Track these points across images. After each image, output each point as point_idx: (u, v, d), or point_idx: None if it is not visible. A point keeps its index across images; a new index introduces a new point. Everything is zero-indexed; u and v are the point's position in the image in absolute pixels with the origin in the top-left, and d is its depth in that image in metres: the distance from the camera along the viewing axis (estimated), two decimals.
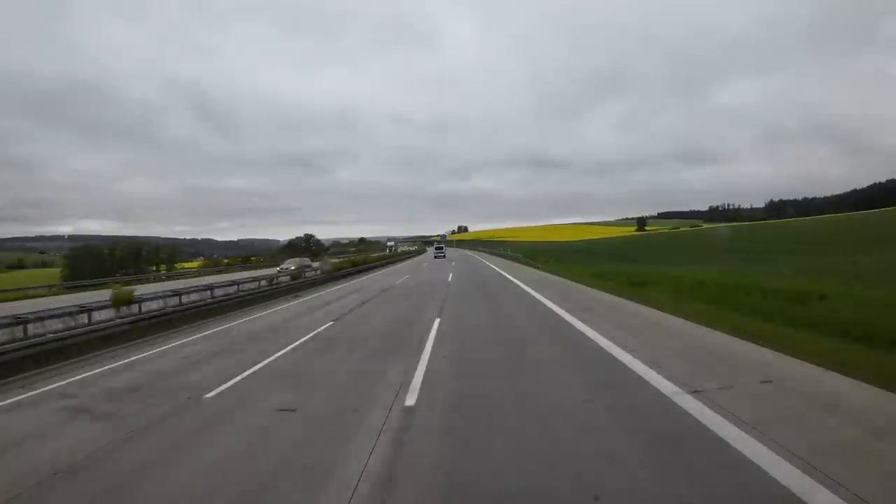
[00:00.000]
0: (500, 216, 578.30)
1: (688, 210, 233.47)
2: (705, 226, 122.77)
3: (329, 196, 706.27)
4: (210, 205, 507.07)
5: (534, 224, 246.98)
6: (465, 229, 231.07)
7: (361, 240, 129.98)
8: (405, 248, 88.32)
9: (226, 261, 73.05)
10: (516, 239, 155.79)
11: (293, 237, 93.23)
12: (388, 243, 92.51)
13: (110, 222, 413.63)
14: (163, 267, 59.86)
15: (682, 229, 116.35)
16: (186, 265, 69.52)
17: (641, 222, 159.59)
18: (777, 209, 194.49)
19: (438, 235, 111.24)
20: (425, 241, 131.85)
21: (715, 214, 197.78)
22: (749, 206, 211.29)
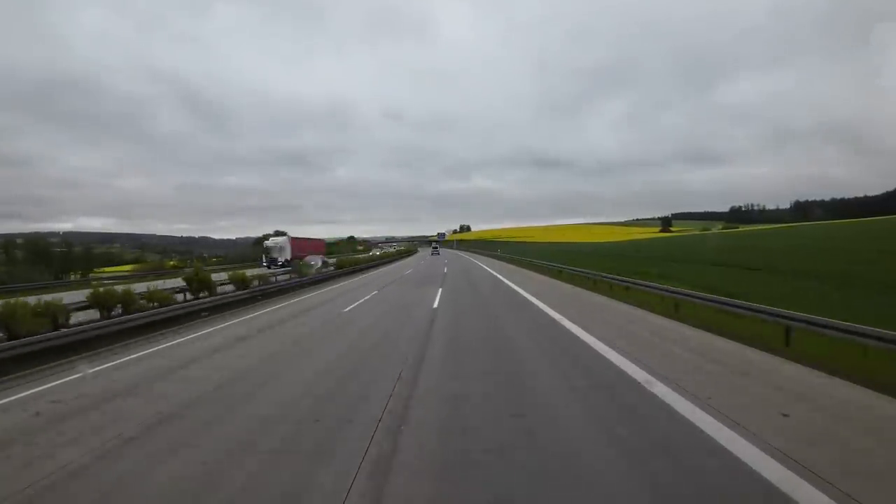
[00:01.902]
0: (502, 216, 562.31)
1: (702, 211, 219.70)
2: (742, 228, 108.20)
3: (328, 195, 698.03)
4: (210, 203, 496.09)
5: (540, 224, 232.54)
6: (468, 228, 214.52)
7: (350, 238, 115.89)
8: (381, 252, 71.52)
9: (171, 263, 59.35)
10: (525, 239, 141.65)
11: (261, 235, 79.08)
12: (268, 243, 44.25)
13: (111, 219, 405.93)
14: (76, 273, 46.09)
15: (715, 231, 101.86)
16: (120, 269, 56.05)
17: (666, 222, 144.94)
18: (804, 210, 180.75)
19: (437, 235, 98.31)
20: (425, 241, 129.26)
21: (738, 215, 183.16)
22: (775, 207, 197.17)
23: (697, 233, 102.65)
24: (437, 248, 75.14)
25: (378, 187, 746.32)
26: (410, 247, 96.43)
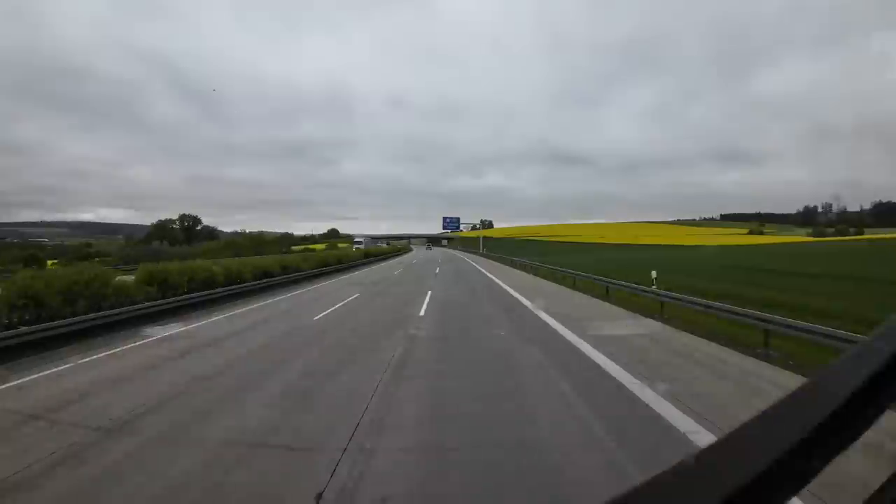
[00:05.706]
0: (517, 215, 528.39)
1: (756, 213, 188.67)
2: (874, 235, 78.60)
3: (340, 191, 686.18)
4: (224, 196, 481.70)
5: (570, 222, 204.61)
6: (490, 224, 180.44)
7: (333, 231, 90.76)
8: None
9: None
10: (562, 238, 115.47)
11: (157, 219, 55.16)
12: None
13: (131, 211, 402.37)
14: None
15: (851, 238, 73.24)
16: None
17: (758, 224, 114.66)
18: (889, 212, 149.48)
19: (443, 223, 69.64)
20: (431, 238, 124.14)
21: (811, 217, 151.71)
22: (858, 209, 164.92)
23: (810, 239, 74.44)
24: (430, 245, 75.93)
25: (388, 184, 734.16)
26: (401, 245, 72.36)
